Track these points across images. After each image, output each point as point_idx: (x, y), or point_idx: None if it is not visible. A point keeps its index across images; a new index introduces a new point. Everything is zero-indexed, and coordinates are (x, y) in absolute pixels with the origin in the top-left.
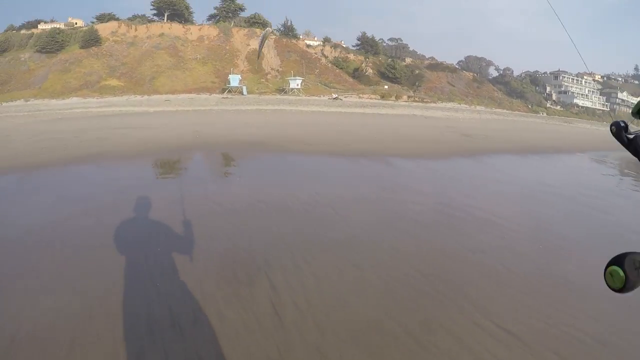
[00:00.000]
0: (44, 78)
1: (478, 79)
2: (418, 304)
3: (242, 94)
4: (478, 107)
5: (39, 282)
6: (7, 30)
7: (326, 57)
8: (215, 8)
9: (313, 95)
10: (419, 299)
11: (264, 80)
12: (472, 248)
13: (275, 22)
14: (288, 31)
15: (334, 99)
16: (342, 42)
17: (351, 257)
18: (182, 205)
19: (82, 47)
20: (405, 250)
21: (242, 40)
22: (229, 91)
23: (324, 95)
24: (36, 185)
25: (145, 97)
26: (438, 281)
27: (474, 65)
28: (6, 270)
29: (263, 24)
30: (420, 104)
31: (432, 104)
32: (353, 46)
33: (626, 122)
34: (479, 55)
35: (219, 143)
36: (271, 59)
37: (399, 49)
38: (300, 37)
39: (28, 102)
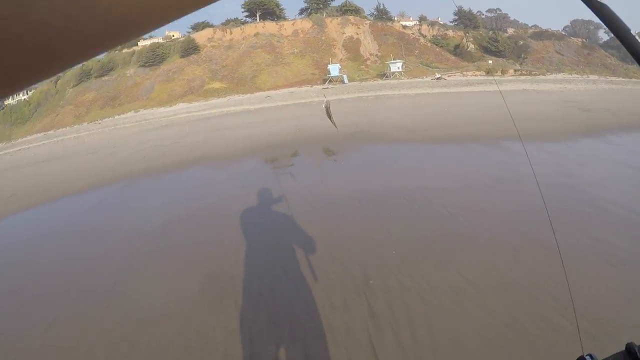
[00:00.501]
0: (150, 89)
1: (587, 45)
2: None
3: (344, 83)
4: (591, 77)
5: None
6: (110, 52)
7: (424, 36)
8: (305, 1)
9: (415, 77)
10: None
11: (363, 66)
12: None
13: (367, 7)
14: (382, 14)
15: (437, 79)
16: (439, 19)
17: (469, 275)
18: (275, 206)
19: (182, 57)
20: (540, 268)
21: (337, 29)
22: (330, 81)
23: (426, 76)
24: (128, 193)
25: (248, 95)
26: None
27: (582, 30)
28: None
29: (355, 11)
30: (529, 77)
31: (541, 77)
32: (450, 22)
33: None
34: (586, 19)
35: (319, 136)
36: (368, 44)
37: (499, 19)
38: (395, 19)
39: (138, 113)
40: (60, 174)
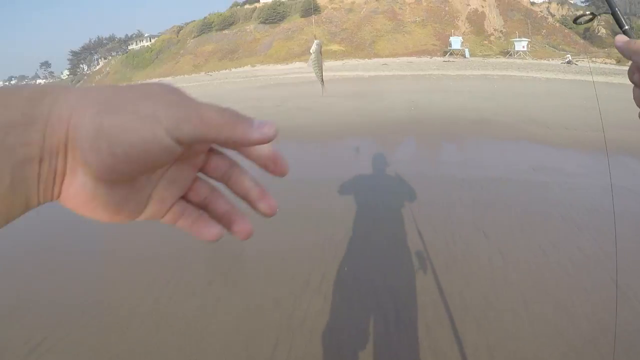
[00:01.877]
0: (268, 46)
1: None
2: None
3: (465, 57)
4: None
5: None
6: (232, 7)
7: (553, 15)
8: None
9: (541, 59)
10: None
11: (486, 42)
12: None
13: None
14: None
15: (568, 62)
16: None
17: None
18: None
19: (302, 17)
20: None
21: (461, 0)
22: (451, 54)
23: (553, 59)
24: None
25: (365, 60)
26: None
27: None
28: None
29: None
30: None
31: None
32: (582, 2)
33: None
34: None
35: (435, 119)
36: (493, 19)
37: (635, 3)
38: None
39: (254, 68)
40: None
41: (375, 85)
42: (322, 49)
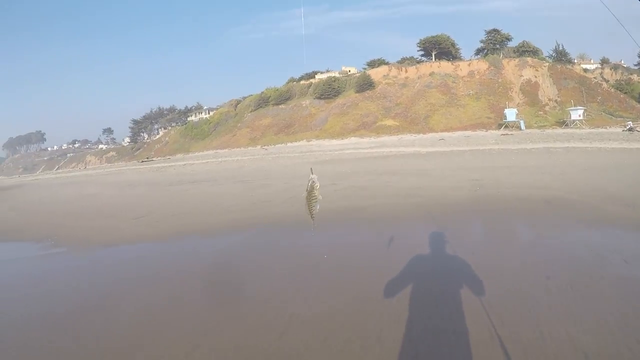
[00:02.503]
0: (324, 121)
1: None
2: None
3: (520, 129)
4: None
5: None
6: (288, 82)
7: (607, 81)
8: (481, 41)
9: (598, 127)
10: None
11: (541, 112)
12: None
13: (546, 48)
14: (561, 56)
15: (629, 130)
16: (622, 62)
17: None
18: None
19: (357, 92)
20: None
21: (514, 71)
22: (506, 126)
23: (611, 126)
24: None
25: (420, 135)
26: None
27: None
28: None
29: (533, 52)
30: None
31: None
32: (635, 65)
33: None
34: None
35: (503, 199)
36: (547, 88)
37: None
38: (575, 61)
39: (310, 142)
40: (203, 200)
41: (434, 162)
42: (378, 124)
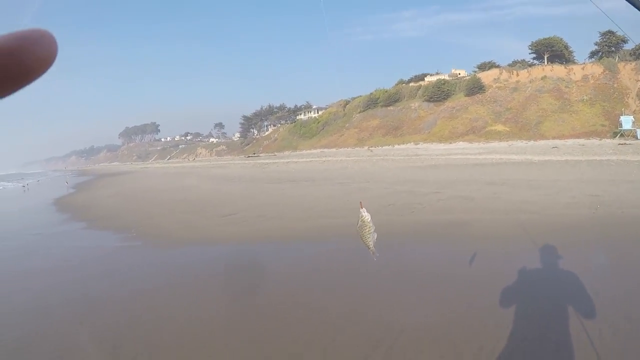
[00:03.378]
0: (432, 124)
1: None
2: None
3: (637, 138)
4: None
5: None
6: (397, 84)
7: None
8: (596, 43)
9: None
10: None
11: None
12: None
13: None
14: None
15: None
16: None
17: None
18: None
19: (466, 95)
20: None
21: (630, 75)
22: (621, 135)
23: None
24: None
25: (531, 142)
26: None
27: None
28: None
29: None
30: None
31: None
32: None
33: None
34: None
35: (629, 222)
36: None
37: None
38: None
39: (417, 145)
40: (296, 202)
41: (547, 172)
42: (488, 129)
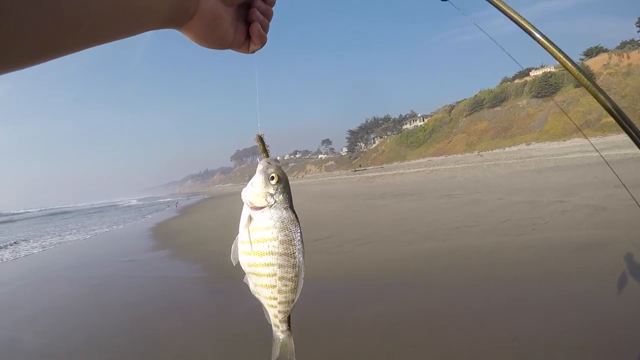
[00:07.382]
0: (543, 121)
1: None
2: None
3: None
4: None
5: None
6: (502, 82)
7: None
8: None
9: None
10: None
11: None
12: None
13: None
14: None
15: None
16: None
17: None
18: None
19: (576, 86)
20: None
21: None
22: None
23: None
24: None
25: None
26: None
27: None
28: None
29: None
30: None
31: None
32: None
33: None
34: None
35: None
36: None
37: None
38: None
39: (529, 146)
40: (398, 220)
41: None
42: (603, 122)
